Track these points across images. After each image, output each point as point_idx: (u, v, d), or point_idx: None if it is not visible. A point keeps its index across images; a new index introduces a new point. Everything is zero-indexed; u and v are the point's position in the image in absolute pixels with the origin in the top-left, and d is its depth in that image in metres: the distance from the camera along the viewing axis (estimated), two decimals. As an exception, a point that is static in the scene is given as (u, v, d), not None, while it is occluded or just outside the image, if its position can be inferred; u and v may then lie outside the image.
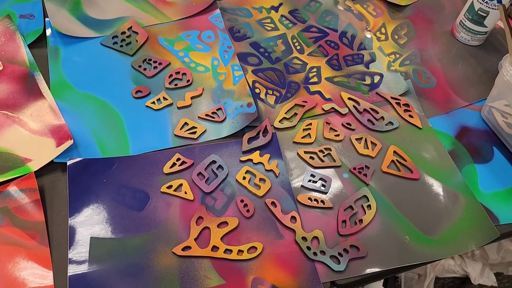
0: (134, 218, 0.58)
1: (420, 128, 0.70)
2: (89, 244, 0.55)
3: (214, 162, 0.64)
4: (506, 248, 1.14)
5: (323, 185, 0.63)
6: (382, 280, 1.20)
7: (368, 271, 0.56)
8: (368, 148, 0.67)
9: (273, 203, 0.60)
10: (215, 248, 0.56)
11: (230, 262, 0.56)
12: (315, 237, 0.58)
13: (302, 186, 0.63)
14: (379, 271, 0.57)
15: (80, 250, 0.55)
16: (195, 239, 0.57)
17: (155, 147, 0.64)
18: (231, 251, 0.56)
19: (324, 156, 0.66)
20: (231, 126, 0.67)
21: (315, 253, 0.57)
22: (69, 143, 0.61)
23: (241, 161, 0.64)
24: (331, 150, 0.66)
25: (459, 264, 1.25)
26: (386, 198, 0.63)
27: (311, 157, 0.65)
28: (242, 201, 0.60)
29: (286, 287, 0.54)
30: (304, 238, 0.58)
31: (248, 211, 0.60)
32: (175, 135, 0.66)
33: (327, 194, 0.62)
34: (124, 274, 0.54)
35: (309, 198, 0.61)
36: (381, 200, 0.62)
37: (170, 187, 0.61)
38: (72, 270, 0.53)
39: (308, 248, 0.57)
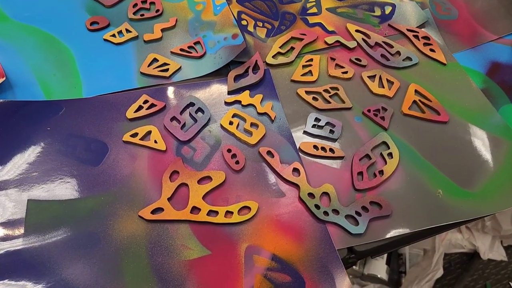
0: (88, 175, 0.44)
1: (445, 64, 0.58)
2: (25, 209, 0.41)
3: (192, 104, 0.50)
4: (521, 217, 1.03)
5: (331, 131, 0.50)
6: (385, 258, 1.09)
7: (395, 233, 0.44)
8: (383, 87, 0.54)
9: (269, 152, 0.47)
10: (195, 209, 0.43)
11: (216, 227, 0.42)
12: (325, 193, 0.45)
13: (305, 132, 0.49)
14: (409, 233, 0.44)
15: (12, 218, 0.41)
16: (168, 199, 0.43)
17: (116, 87, 0.50)
18: (216, 212, 0.43)
19: (330, 96, 0.53)
20: (212, 62, 0.53)
21: (326, 213, 0.44)
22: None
23: (227, 103, 0.51)
24: (338, 90, 0.53)
25: (467, 238, 1.14)
26: (410, 145, 0.50)
27: (314, 98, 0.52)
28: (229, 150, 0.47)
29: (291, 256, 0.41)
30: (311, 195, 0.44)
31: (237, 162, 0.46)
32: (141, 73, 0.52)
33: (337, 141, 0.49)
34: (74, 246, 0.40)
35: (315, 146, 0.48)
36: (404, 147, 0.49)
37: (135, 135, 0.47)
38: (1, 245, 0.39)
39: (317, 206, 0.44)
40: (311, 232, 0.43)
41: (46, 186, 0.43)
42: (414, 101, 0.53)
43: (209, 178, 0.45)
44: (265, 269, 0.40)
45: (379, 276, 1.04)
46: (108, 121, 0.48)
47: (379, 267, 1.05)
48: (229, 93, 0.51)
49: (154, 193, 0.43)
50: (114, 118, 0.48)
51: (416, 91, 0.54)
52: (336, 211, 0.44)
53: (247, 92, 0.51)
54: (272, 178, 0.46)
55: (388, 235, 0.44)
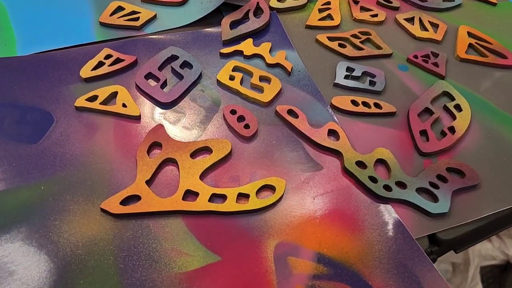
0: (20, 156, 0.28)
1: (495, 4, 0.45)
2: None
3: (174, 57, 0.35)
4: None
5: (371, 82, 0.36)
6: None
7: (491, 210, 0.29)
8: (427, 30, 0.41)
9: (291, 112, 0.32)
10: (190, 194, 0.28)
11: (225, 218, 0.27)
12: (380, 161, 0.31)
13: (336, 85, 0.35)
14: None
15: None
16: (147, 182, 0.28)
17: (64, 43, 0.36)
18: (223, 197, 0.27)
19: (361, 42, 0.39)
20: (199, 8, 0.39)
21: (387, 187, 0.29)
22: None
23: (223, 55, 0.36)
24: (370, 34, 0.40)
25: (498, 247, 0.99)
26: (478, 94, 0.36)
27: (340, 45, 0.38)
28: (233, 112, 0.32)
29: (346, 254, 0.26)
30: (360, 164, 0.30)
31: (247, 127, 0.31)
32: (101, 23, 0.37)
33: (382, 94, 0.35)
34: (3, 261, 0.24)
35: (353, 102, 0.34)
36: (472, 98, 0.36)
37: (93, 98, 0.32)
38: None
39: (373, 179, 0.29)
40: (370, 216, 0.28)
41: (-48, 175, 0.27)
42: (470, 45, 0.40)
43: (207, 149, 0.30)
44: (310, 277, 0.25)
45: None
46: (53, 83, 0.33)
47: (404, 288, 0.89)
48: (225, 43, 0.37)
49: (125, 175, 0.28)
50: (62, 79, 0.33)
51: (469, 33, 0.41)
52: (401, 184, 0.29)
53: (249, 40, 0.37)
54: (299, 145, 0.31)
55: (481, 214, 0.29)
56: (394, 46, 0.39)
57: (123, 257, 0.25)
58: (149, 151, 0.29)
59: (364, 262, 0.26)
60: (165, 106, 0.32)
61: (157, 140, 0.30)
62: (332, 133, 0.32)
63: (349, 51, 0.38)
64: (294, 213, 0.27)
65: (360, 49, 0.38)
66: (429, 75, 0.37)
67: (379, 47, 0.39)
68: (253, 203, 0.27)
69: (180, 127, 0.31)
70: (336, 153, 0.31)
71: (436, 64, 0.38)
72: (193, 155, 0.30)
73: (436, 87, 0.36)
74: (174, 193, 0.27)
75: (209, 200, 0.27)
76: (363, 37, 0.39)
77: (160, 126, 0.31)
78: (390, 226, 0.27)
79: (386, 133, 0.33)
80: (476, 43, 0.40)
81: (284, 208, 0.28)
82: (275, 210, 0.28)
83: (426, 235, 0.28)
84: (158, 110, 0.32)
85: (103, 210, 0.26)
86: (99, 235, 0.25)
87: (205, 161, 0.29)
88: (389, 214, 0.28)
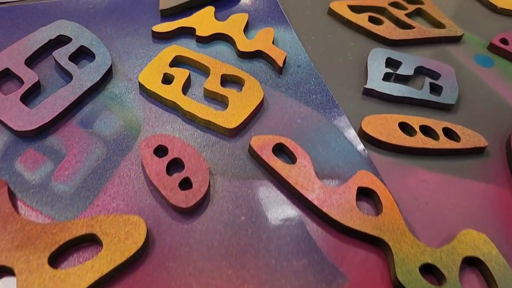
0: None
1: None
2: None
3: (64, 40, 0.18)
4: None
5: (434, 87, 0.19)
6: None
7: None
8: (515, -3, 0.24)
9: (280, 148, 0.16)
10: None
11: None
12: (471, 261, 0.14)
13: (368, 92, 0.19)
14: None
15: None
16: None
17: None
18: None
19: (408, 15, 0.22)
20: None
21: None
22: None
23: (157, 36, 0.19)
24: (423, 3, 0.23)
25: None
26: None
27: (373, 19, 0.22)
28: (161, 151, 0.15)
29: None
30: (431, 270, 0.13)
31: (186, 184, 0.14)
32: None
33: (455, 109, 0.18)
34: None
35: (404, 127, 0.17)
36: None
37: None
38: None
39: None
40: None
41: None
42: None
43: (93, 240, 0.13)
44: None
45: None
46: None
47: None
48: (164, 14, 0.20)
49: None
50: None
51: None
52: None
53: (209, 10, 0.20)
54: (299, 225, 0.14)
55: None
56: (463, 25, 0.23)
57: None
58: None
59: None
60: (24, 138, 0.16)
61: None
62: (366, 195, 0.15)
63: (388, 30, 0.21)
64: None
65: (408, 26, 0.22)
66: (534, 74, 0.21)
67: (438, 24, 0.22)
68: None
69: (43, 187, 0.15)
70: (376, 244, 0.14)
71: (544, 54, 0.21)
72: (58, 256, 0.13)
73: (553, 96, 0.19)
74: None
75: None
76: (411, 7, 0.23)
77: (0, 184, 0.14)
78: None
79: (472, 193, 0.16)
80: None
81: None
82: None
83: None
84: (7, 146, 0.15)
85: None
86: None
87: (84, 270, 0.12)
88: None
